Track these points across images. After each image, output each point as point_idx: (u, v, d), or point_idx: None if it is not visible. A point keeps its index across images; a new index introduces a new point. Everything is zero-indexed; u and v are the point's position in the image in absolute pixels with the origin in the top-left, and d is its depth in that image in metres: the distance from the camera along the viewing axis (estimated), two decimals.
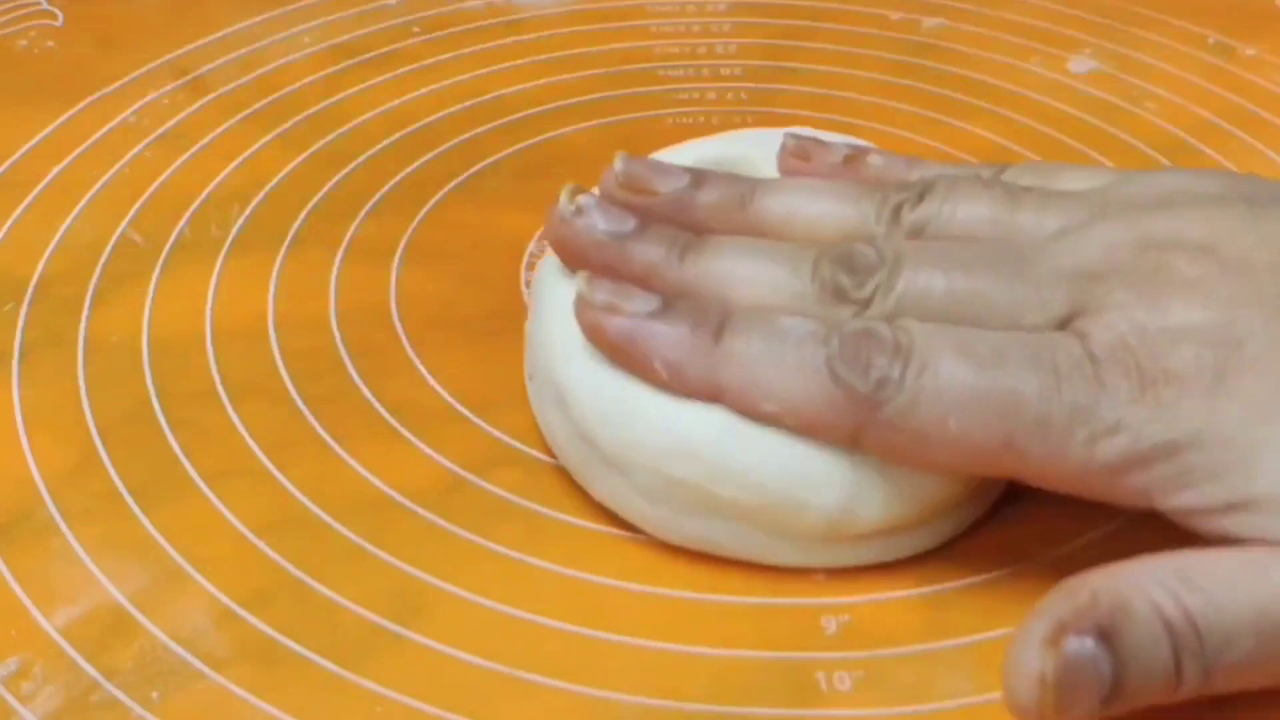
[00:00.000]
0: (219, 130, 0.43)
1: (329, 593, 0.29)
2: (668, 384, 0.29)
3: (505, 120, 0.44)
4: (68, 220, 0.40)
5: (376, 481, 0.32)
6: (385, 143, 0.43)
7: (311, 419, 0.33)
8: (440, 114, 0.44)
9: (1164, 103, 0.45)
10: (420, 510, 0.31)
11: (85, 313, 0.36)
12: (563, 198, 0.31)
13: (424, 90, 0.45)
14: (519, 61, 0.47)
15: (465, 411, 0.33)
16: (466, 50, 0.47)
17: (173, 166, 0.42)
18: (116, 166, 0.42)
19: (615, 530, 0.30)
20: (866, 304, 0.28)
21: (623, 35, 0.48)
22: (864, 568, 0.29)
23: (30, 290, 0.37)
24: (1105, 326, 0.27)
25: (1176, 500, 0.26)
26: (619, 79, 0.46)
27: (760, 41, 0.48)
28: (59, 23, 0.49)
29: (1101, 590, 0.25)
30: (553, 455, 0.32)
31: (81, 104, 0.44)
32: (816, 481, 0.28)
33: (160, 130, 0.43)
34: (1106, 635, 0.24)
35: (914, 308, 0.28)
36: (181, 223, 0.39)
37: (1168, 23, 0.49)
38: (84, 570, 0.30)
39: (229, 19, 0.49)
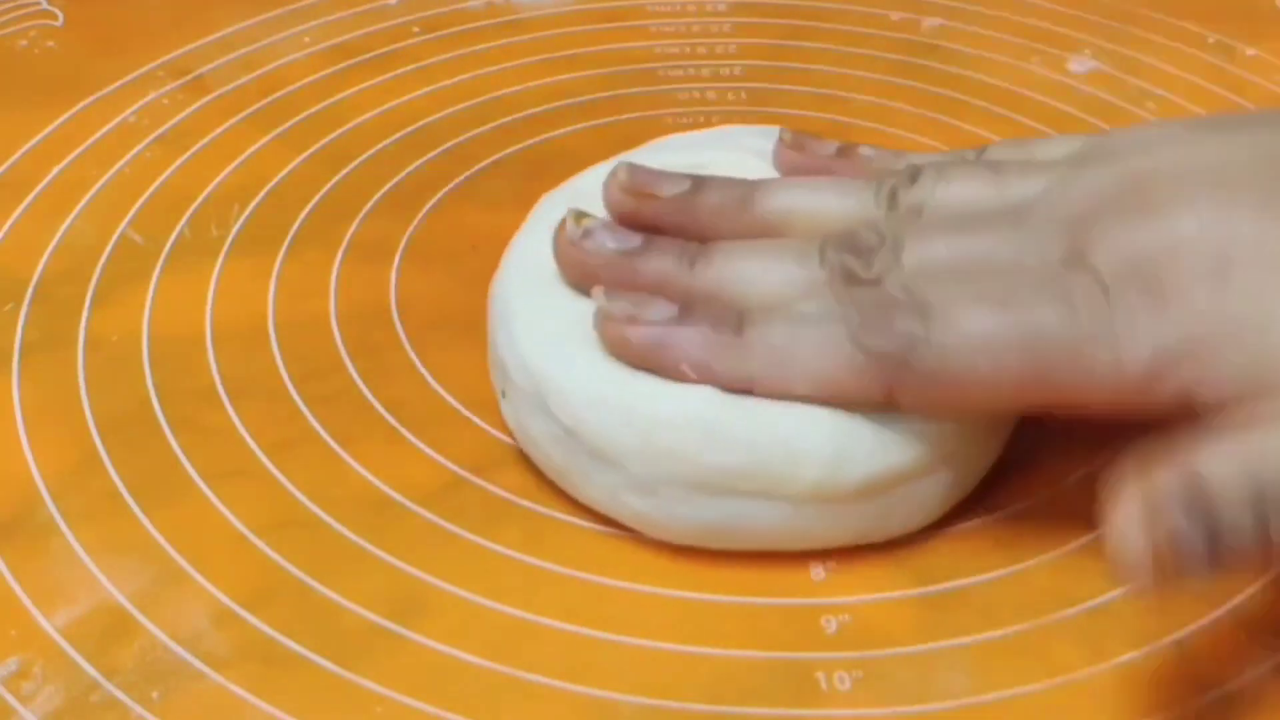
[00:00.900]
0: (219, 130, 0.43)
1: (329, 593, 0.29)
2: (699, 383, 0.29)
3: (505, 120, 0.44)
4: (68, 220, 0.40)
5: (376, 481, 0.32)
6: (385, 143, 0.43)
7: (311, 419, 0.33)
8: (440, 114, 0.44)
9: (1164, 103, 0.45)
10: (420, 510, 0.31)
11: (85, 313, 0.36)
12: (569, 222, 0.32)
13: (424, 90, 0.45)
14: (519, 61, 0.47)
15: (465, 411, 0.33)
16: (466, 50, 0.47)
17: (173, 166, 0.42)
18: (116, 166, 0.42)
19: (615, 530, 0.30)
20: (876, 283, 0.29)
21: (623, 35, 0.48)
22: (862, 565, 0.30)
23: (30, 290, 0.37)
24: (1106, 255, 0.28)
25: (1213, 391, 0.27)
26: (619, 79, 0.46)
27: (760, 41, 0.48)
28: (59, 23, 0.49)
29: (1176, 464, 0.25)
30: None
31: (81, 104, 0.44)
32: (805, 434, 0.29)
33: (160, 130, 0.43)
34: (1194, 504, 0.25)
35: (922, 277, 0.29)
36: (181, 223, 0.39)
37: (1168, 23, 0.49)
38: (84, 570, 0.30)
39: (229, 19, 0.49)
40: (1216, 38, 0.48)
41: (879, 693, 0.27)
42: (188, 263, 0.38)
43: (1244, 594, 0.29)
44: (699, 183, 0.32)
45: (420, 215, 0.40)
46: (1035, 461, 0.32)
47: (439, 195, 0.41)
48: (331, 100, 0.45)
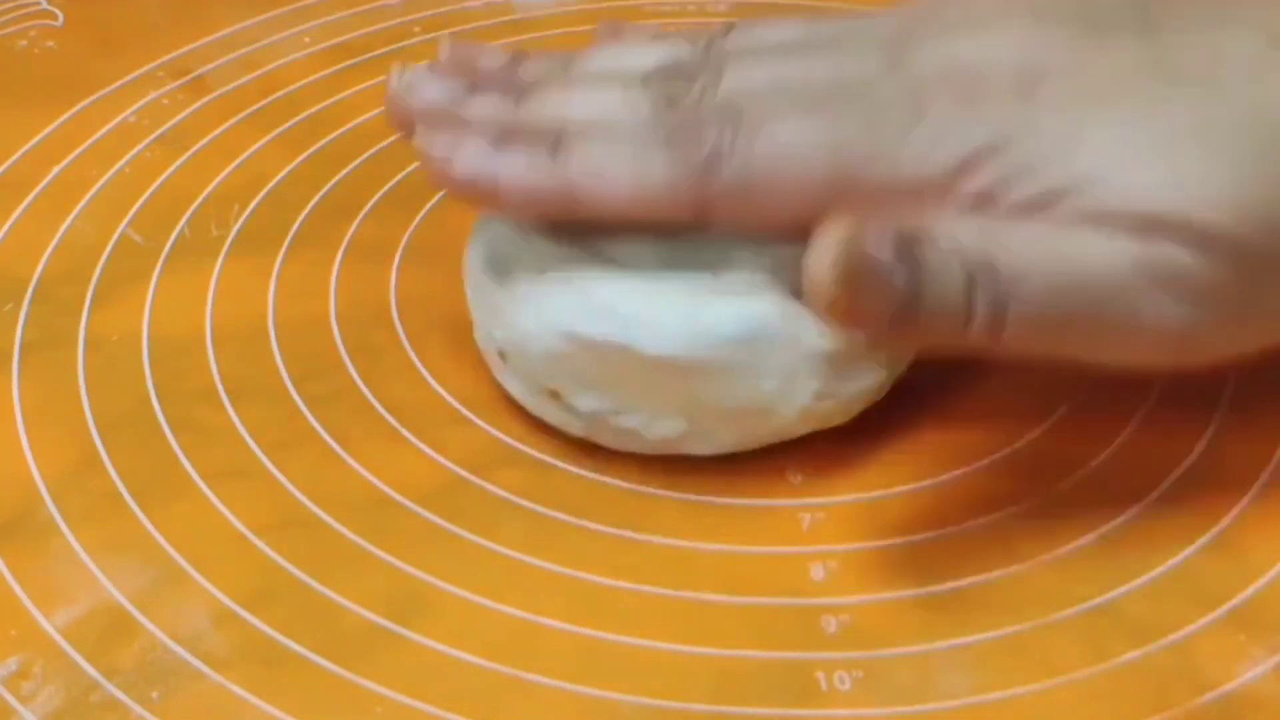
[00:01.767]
0: (219, 130, 0.43)
1: (329, 593, 0.29)
2: (524, 209, 0.30)
3: None
4: (68, 220, 0.40)
5: (376, 481, 0.32)
6: (385, 143, 0.43)
7: (311, 419, 0.33)
8: None
9: None
10: (420, 510, 0.31)
11: (85, 313, 0.36)
12: (393, 73, 0.32)
13: None
14: None
15: (465, 411, 0.33)
16: None
17: (173, 166, 0.42)
18: (116, 166, 0.42)
19: (615, 530, 0.30)
20: (696, 105, 0.30)
21: None
22: (862, 565, 0.30)
23: (30, 290, 0.37)
24: (923, 64, 0.29)
25: (1014, 194, 0.27)
26: None
27: None
28: (59, 23, 0.49)
29: (909, 221, 0.26)
30: (552, 454, 0.32)
31: (81, 104, 0.44)
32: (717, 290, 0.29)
33: (160, 130, 0.43)
34: (906, 245, 0.25)
35: (739, 96, 0.29)
36: (181, 223, 0.39)
37: None
38: (84, 570, 0.30)
39: (229, 19, 0.49)
40: None
41: (879, 693, 0.27)
42: (188, 263, 0.38)
43: (1244, 594, 0.29)
44: (519, 54, 0.33)
45: (420, 215, 0.40)
46: (1035, 461, 0.32)
47: (439, 195, 0.41)
48: (331, 100, 0.45)
